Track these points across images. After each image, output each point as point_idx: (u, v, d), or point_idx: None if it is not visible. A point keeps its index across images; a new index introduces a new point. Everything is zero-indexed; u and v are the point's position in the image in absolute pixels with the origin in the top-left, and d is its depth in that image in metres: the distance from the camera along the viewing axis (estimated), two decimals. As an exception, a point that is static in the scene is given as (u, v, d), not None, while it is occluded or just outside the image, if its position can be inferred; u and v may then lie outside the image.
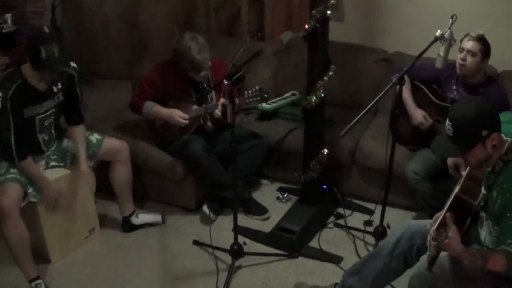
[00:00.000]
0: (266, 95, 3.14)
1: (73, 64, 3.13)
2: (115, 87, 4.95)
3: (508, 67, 3.80)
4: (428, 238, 2.21)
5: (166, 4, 5.37)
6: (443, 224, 2.19)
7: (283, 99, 4.12)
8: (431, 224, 2.28)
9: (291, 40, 4.62)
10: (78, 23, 5.55)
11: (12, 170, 2.99)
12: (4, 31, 5.76)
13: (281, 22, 4.80)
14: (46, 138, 3.20)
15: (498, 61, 3.54)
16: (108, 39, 5.43)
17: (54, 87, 3.07)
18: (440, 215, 2.25)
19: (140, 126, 3.89)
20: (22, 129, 2.98)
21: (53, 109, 3.14)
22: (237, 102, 2.97)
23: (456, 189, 2.40)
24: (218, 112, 3.44)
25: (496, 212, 2.16)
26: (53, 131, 3.23)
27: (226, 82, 2.79)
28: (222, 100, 3.40)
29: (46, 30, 2.92)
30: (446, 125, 2.22)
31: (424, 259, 2.38)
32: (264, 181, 4.15)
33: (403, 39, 4.22)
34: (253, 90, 3.14)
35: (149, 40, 5.28)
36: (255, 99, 3.13)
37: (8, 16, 5.84)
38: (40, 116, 3.08)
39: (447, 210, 2.26)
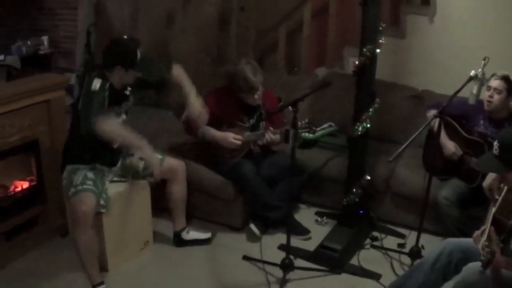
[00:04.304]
0: (314, 128, 3.46)
1: None
2: (144, 113, 5.09)
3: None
4: (480, 245, 2.50)
5: (197, 36, 5.64)
6: (488, 237, 2.50)
7: (322, 129, 4.42)
8: (479, 236, 2.58)
9: (326, 75, 4.95)
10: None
11: (88, 182, 3.22)
12: (40, 52, 5.99)
13: (316, 58, 5.14)
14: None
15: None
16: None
17: (125, 91, 3.41)
18: (486, 229, 2.56)
19: (191, 147, 4.14)
20: None
21: (126, 113, 3.46)
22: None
23: (493, 210, 2.72)
24: (268, 138, 3.74)
25: None
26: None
27: (291, 109, 3.10)
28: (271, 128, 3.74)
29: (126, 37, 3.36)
30: (494, 145, 2.57)
31: (467, 268, 2.65)
32: (302, 206, 4.40)
33: (431, 79, 4.55)
34: (303, 122, 3.45)
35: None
36: (306, 130, 3.45)
37: (45, 38, 6.03)
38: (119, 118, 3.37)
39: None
